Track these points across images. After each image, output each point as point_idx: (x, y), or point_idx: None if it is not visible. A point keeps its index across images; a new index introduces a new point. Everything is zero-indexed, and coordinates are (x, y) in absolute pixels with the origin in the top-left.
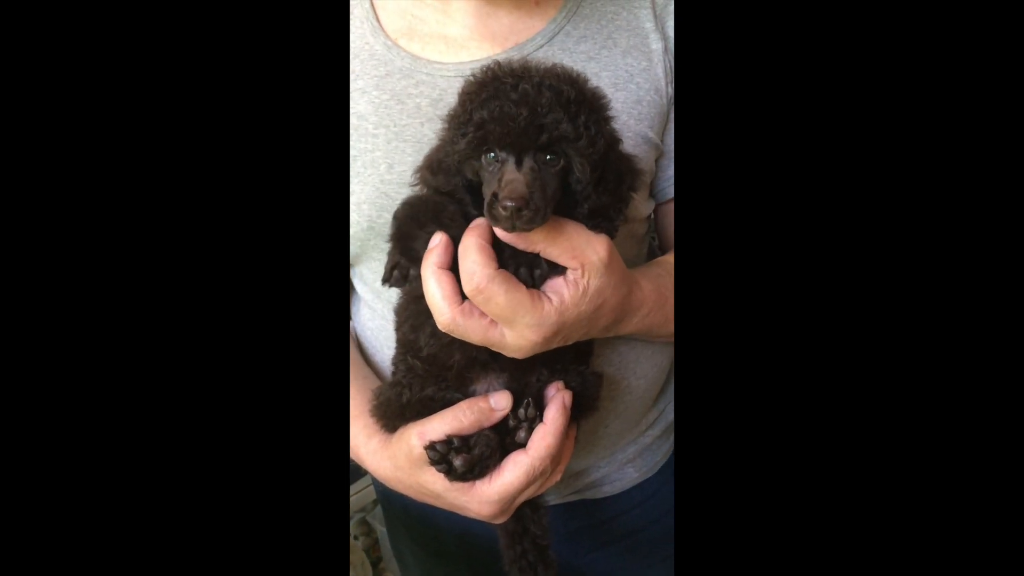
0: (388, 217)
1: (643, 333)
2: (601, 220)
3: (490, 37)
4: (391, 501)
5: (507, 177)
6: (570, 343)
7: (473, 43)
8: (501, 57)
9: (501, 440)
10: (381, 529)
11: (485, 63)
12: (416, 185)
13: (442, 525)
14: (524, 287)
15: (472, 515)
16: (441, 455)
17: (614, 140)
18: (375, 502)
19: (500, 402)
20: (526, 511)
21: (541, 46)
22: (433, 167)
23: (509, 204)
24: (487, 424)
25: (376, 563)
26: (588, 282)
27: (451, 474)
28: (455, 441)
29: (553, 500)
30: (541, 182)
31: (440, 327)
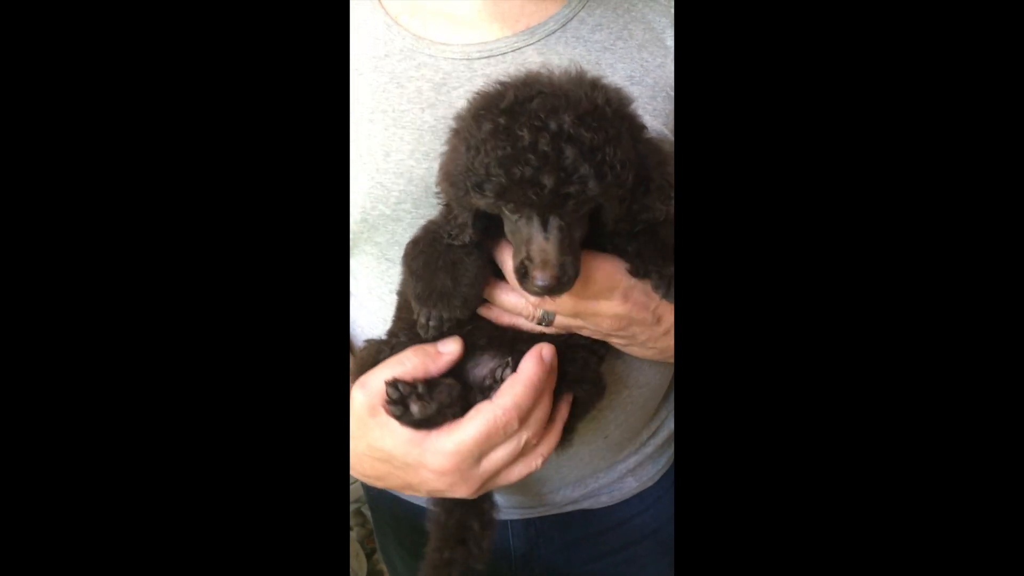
0: (383, 209)
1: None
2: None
3: (500, 17)
4: (378, 503)
5: (536, 246)
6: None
7: (482, 23)
8: (507, 48)
9: (466, 394)
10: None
11: (490, 86)
12: (440, 185)
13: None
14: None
15: (426, 484)
16: (401, 396)
17: (638, 137)
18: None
19: (448, 346)
20: (473, 525)
21: (554, 31)
22: (452, 176)
23: (540, 284)
24: (434, 369)
25: (371, 554)
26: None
27: (404, 418)
28: (419, 387)
29: (550, 511)
30: (571, 240)
31: None
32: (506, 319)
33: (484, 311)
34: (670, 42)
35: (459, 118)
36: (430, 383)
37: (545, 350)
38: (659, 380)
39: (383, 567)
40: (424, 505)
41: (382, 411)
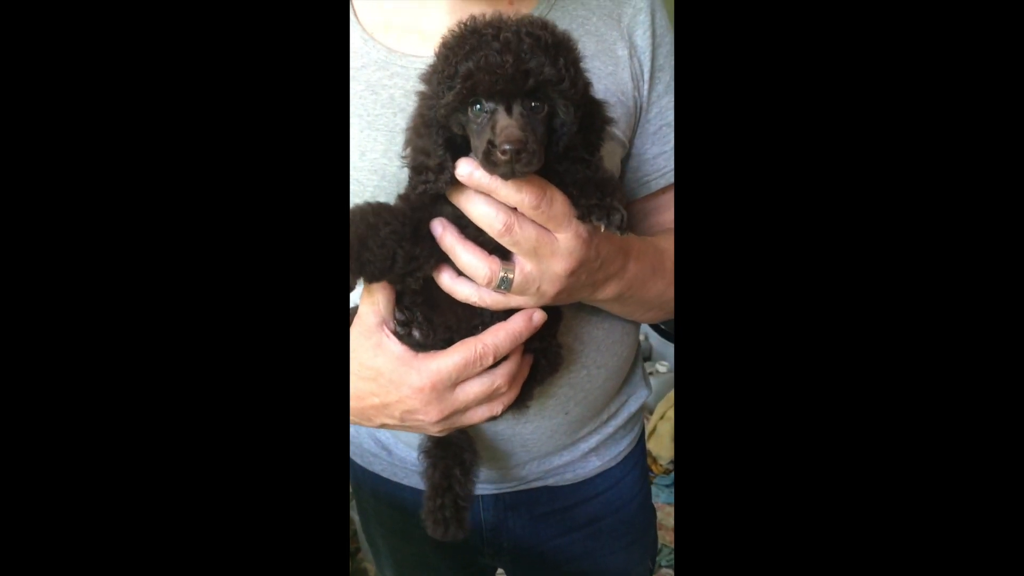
0: (358, 203)
1: (637, 286)
2: (575, 161)
3: None
4: (362, 487)
5: (501, 124)
6: (583, 293)
7: None
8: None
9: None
10: (358, 519)
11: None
12: (406, 148)
13: (409, 508)
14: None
15: (403, 402)
16: (407, 320)
17: (587, 82)
18: (351, 494)
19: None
20: (456, 472)
21: None
22: (419, 127)
23: (508, 148)
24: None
25: (354, 553)
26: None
27: (406, 339)
28: (420, 317)
29: (519, 486)
30: (532, 127)
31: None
32: (461, 292)
33: (441, 282)
34: (620, 52)
35: (422, 75)
36: (430, 318)
37: (536, 314)
38: (617, 363)
39: (367, 566)
40: (403, 483)
41: (379, 333)
